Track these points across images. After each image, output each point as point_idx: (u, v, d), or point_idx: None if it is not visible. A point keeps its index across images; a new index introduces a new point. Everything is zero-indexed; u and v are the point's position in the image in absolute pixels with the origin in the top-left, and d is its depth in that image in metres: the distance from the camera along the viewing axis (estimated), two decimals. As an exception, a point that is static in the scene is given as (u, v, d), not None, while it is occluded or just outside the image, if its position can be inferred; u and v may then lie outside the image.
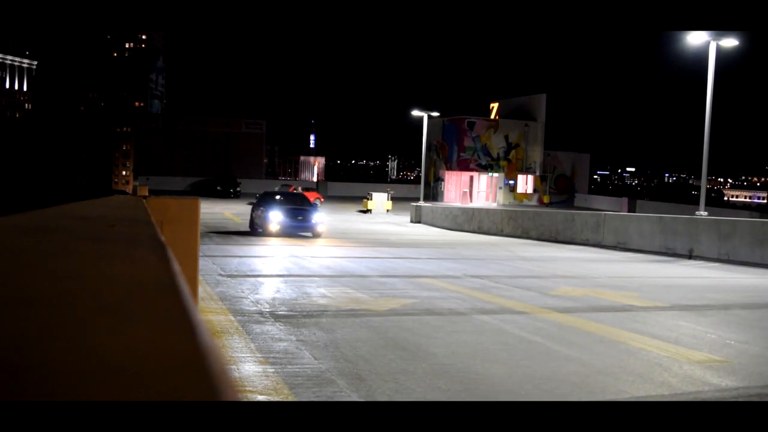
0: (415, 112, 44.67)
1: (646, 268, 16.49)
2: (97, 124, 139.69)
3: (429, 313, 8.96)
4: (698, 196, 23.40)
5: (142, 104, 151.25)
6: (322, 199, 44.64)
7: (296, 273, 12.81)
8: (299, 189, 42.42)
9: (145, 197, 5.14)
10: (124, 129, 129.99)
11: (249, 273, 12.79)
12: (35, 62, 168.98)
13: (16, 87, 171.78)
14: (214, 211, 36.09)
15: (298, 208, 22.93)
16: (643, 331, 8.07)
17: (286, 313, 8.47)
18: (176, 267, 1.21)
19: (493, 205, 52.21)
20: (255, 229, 23.49)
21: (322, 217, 23.13)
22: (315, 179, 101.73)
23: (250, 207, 40.90)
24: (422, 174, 47.48)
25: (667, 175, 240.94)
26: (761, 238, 17.05)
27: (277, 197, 24.47)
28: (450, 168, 58.58)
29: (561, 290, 11.45)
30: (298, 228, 22.28)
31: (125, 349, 0.60)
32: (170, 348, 0.62)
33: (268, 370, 5.75)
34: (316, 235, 22.45)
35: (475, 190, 58.28)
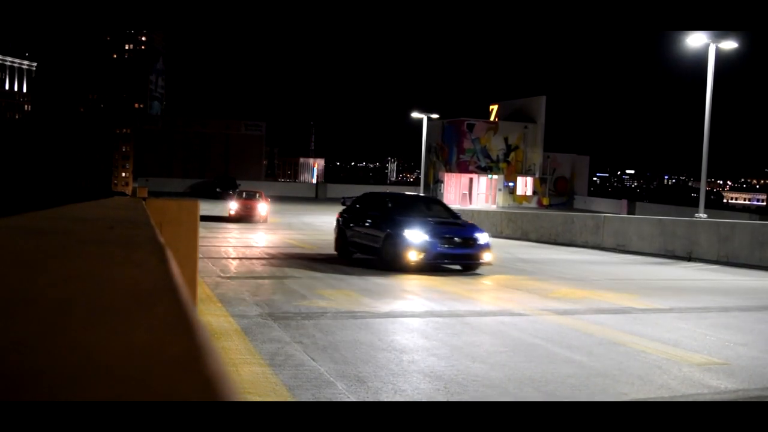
0: (415, 114, 44.71)
1: (645, 270, 16.50)
2: (97, 125, 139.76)
3: (428, 314, 8.96)
4: (698, 198, 23.44)
5: (141, 106, 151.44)
6: (268, 200, 33.67)
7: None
8: (243, 193, 33.70)
9: (144, 199, 5.14)
10: (124, 130, 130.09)
11: (249, 276, 12.78)
12: (35, 63, 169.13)
13: (16, 88, 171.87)
14: (213, 212, 35.64)
15: (450, 224, 14.39)
16: (642, 333, 8.07)
17: (285, 314, 8.46)
18: (175, 269, 1.21)
19: (493, 207, 52.22)
20: (351, 253, 15.62)
21: (488, 238, 14.35)
22: (314, 181, 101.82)
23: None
24: (422, 176, 47.47)
25: (666, 177, 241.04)
26: (760, 240, 17.06)
27: (391, 203, 15.33)
28: (449, 170, 58.59)
29: (560, 292, 11.45)
30: (456, 257, 13.71)
31: (124, 350, 0.60)
32: (169, 349, 0.62)
33: (267, 371, 5.75)
34: (469, 269, 14.02)
35: (475, 192, 58.28)
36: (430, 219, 14.36)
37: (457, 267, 14.08)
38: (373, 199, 16.01)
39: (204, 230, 22.41)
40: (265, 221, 30.34)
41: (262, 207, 31.04)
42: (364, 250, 14.90)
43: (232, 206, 31.04)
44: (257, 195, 32.96)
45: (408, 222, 13.71)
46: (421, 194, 17.10)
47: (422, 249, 13.21)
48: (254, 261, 15.53)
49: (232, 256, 16.73)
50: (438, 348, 6.96)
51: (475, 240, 13.81)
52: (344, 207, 16.89)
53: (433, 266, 13.54)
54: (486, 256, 13.71)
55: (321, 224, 31.28)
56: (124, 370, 0.54)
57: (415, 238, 13.25)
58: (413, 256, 13.18)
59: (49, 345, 0.60)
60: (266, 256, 16.44)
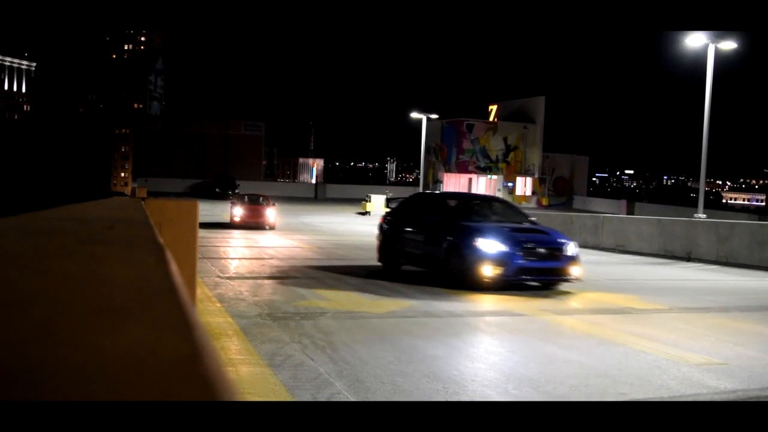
0: (414, 114, 44.71)
1: (644, 270, 16.51)
2: (96, 125, 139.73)
3: (427, 315, 8.95)
4: (697, 199, 23.46)
5: (141, 106, 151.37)
6: (275, 204, 29.17)
7: (292, 274, 12.79)
8: (245, 197, 29.92)
9: (143, 199, 5.15)
10: (123, 131, 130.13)
11: (249, 276, 12.77)
12: (34, 64, 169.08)
13: (15, 89, 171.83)
14: (212, 212, 35.46)
15: (529, 230, 11.86)
16: (641, 333, 8.07)
17: (284, 314, 8.46)
18: (174, 269, 1.21)
19: (492, 207, 52.09)
20: (399, 264, 13.18)
21: (575, 249, 11.57)
22: (314, 181, 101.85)
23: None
24: (421, 176, 47.47)
25: (665, 177, 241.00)
26: (759, 240, 17.07)
27: (451, 205, 13.22)
28: (449, 170, 58.59)
29: (559, 292, 11.45)
30: (540, 272, 11.27)
31: (123, 350, 0.60)
32: (168, 349, 0.62)
33: (266, 372, 5.75)
34: (551, 285, 11.64)
35: (474, 192, 58.31)
36: (503, 224, 11.86)
37: (535, 283, 11.56)
38: (427, 200, 14.09)
39: (203, 231, 22.26)
40: (273, 228, 27.03)
41: (270, 213, 27.55)
42: (417, 262, 12.60)
43: (237, 212, 27.52)
44: (261, 199, 29.25)
45: (478, 229, 11.30)
46: (484, 193, 13.23)
47: (500, 262, 10.80)
48: (253, 261, 15.52)
49: (231, 257, 16.73)
50: (437, 348, 6.96)
51: (562, 250, 11.27)
52: (389, 210, 14.67)
53: (512, 282, 11.08)
54: (574, 270, 11.27)
55: (320, 224, 31.28)
56: (123, 370, 0.54)
57: (491, 248, 10.84)
58: (488, 271, 10.81)
59: (48, 345, 0.60)
60: (266, 257, 16.43)
